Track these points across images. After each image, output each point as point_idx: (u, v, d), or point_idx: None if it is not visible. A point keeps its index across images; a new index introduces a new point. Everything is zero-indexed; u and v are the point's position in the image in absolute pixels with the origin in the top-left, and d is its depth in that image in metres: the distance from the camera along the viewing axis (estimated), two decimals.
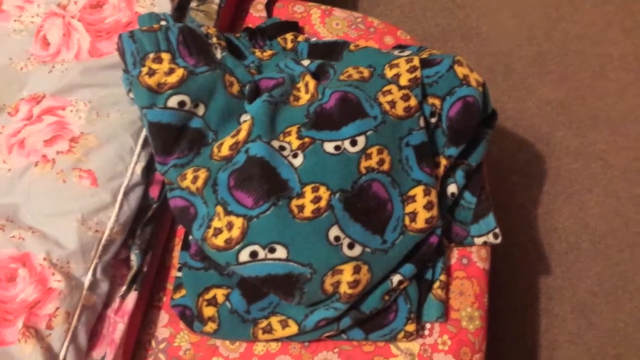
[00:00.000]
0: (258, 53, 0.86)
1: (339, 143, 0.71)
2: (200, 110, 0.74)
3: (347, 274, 0.68)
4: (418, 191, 0.73)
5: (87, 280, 0.70)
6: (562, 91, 1.44)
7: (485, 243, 0.81)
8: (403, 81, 0.76)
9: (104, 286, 0.72)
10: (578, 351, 1.18)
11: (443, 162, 0.77)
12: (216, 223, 0.68)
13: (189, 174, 0.72)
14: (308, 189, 0.68)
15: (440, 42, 1.50)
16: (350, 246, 0.69)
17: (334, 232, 0.68)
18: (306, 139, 0.71)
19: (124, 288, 0.73)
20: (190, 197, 0.73)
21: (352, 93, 0.73)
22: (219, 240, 0.67)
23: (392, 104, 0.74)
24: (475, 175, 0.81)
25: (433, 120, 0.77)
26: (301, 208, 0.67)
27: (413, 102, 0.75)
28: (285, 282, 0.68)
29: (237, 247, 0.67)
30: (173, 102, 0.71)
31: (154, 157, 0.76)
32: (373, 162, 0.71)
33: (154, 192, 0.78)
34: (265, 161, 0.68)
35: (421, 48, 0.86)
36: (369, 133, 0.71)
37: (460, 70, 0.77)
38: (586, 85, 1.44)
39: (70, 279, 0.68)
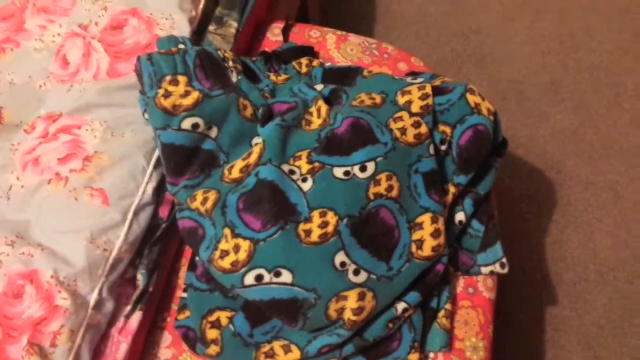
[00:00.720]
0: (273, 77, 0.87)
1: (348, 169, 0.71)
2: (214, 132, 0.75)
3: (351, 301, 0.68)
4: (426, 219, 0.73)
5: (93, 299, 0.70)
6: (575, 120, 1.43)
7: (492, 273, 0.80)
8: (415, 108, 0.77)
9: (109, 305, 0.72)
10: None
11: (452, 190, 0.77)
12: (223, 245, 0.68)
13: (199, 195, 0.73)
14: (316, 214, 0.68)
15: (454, 68, 1.51)
16: (356, 272, 0.69)
17: (340, 258, 0.68)
18: (316, 164, 0.71)
19: (129, 308, 0.74)
20: (199, 219, 0.73)
21: (363, 119, 0.73)
22: (226, 263, 0.68)
23: (403, 130, 0.74)
24: (484, 204, 0.81)
25: (443, 147, 0.77)
26: (308, 233, 0.68)
27: (424, 129, 0.75)
28: (290, 307, 0.68)
29: (243, 270, 0.67)
30: (187, 124, 0.72)
31: (165, 178, 0.77)
32: (382, 189, 0.71)
33: (164, 212, 0.78)
34: (274, 185, 0.69)
35: (434, 76, 0.87)
36: (378, 159, 0.72)
37: (472, 99, 0.78)
38: (600, 115, 1.44)
39: (77, 298, 0.69)
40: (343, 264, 0.68)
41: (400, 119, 0.76)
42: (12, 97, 0.84)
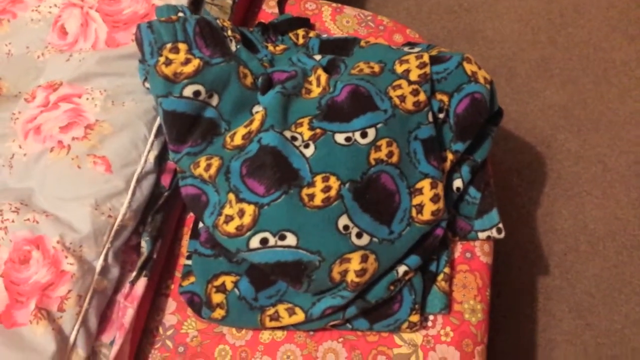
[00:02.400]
0: (271, 47, 0.87)
1: (349, 134, 0.72)
2: (214, 100, 0.75)
3: (354, 263, 0.70)
4: (425, 184, 0.75)
5: (98, 264, 0.71)
6: (564, 95, 1.45)
7: (488, 237, 0.82)
8: (413, 77, 0.78)
9: (114, 271, 0.73)
10: (575, 351, 1.19)
11: (450, 156, 0.78)
12: (227, 210, 0.69)
13: (202, 161, 0.74)
14: (319, 179, 0.70)
15: (445, 45, 1.52)
16: (359, 235, 0.70)
17: (343, 221, 0.69)
18: (317, 130, 0.72)
19: (134, 274, 0.75)
20: (202, 185, 0.74)
21: (363, 86, 0.74)
22: (230, 227, 0.69)
23: (402, 98, 0.76)
24: (480, 171, 0.83)
25: (441, 115, 0.78)
26: (311, 197, 0.69)
27: (422, 97, 0.76)
28: (294, 269, 0.69)
29: (248, 233, 0.68)
30: (188, 91, 0.73)
31: (166, 146, 0.78)
32: (382, 154, 0.73)
33: (166, 180, 0.79)
34: (277, 150, 0.70)
35: (430, 46, 0.88)
36: (379, 126, 0.73)
37: (469, 67, 0.79)
38: (588, 90, 1.46)
39: (83, 263, 0.70)
40: (346, 227, 0.70)
41: (399, 86, 0.77)
42: (10, 67, 0.84)
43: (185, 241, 0.83)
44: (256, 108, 0.78)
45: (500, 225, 0.82)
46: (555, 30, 1.55)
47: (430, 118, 0.77)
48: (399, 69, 0.79)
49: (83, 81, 0.79)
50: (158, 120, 0.78)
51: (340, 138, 0.72)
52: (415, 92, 0.77)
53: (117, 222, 0.73)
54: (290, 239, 0.68)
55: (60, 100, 0.78)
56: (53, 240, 0.69)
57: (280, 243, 0.68)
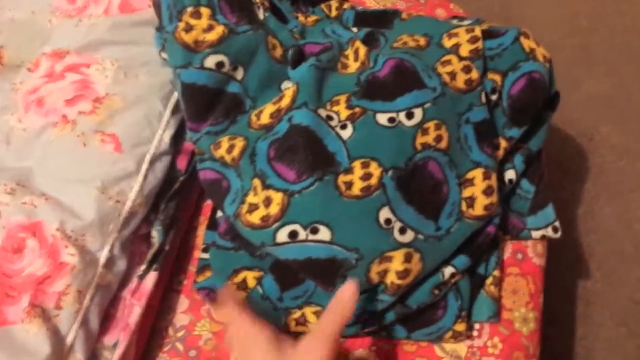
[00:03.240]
0: (301, 18, 0.79)
1: (393, 115, 0.63)
2: (239, 73, 0.67)
3: (396, 262, 0.61)
4: (477, 174, 0.65)
5: (103, 256, 0.63)
6: (607, 85, 1.37)
7: (543, 237, 0.73)
8: (463, 52, 0.68)
9: (121, 264, 0.65)
10: None
11: (503, 144, 0.69)
12: (252, 198, 0.61)
13: (224, 142, 0.65)
14: (357, 164, 0.61)
15: None
16: (402, 231, 0.61)
17: (385, 214, 0.60)
18: (357, 109, 0.63)
19: (142, 267, 0.67)
20: (223, 169, 0.66)
21: (408, 61, 0.65)
22: (255, 217, 0.60)
23: (452, 75, 0.66)
24: (535, 162, 0.74)
25: (494, 97, 0.69)
26: (349, 185, 0.60)
27: (475, 74, 0.67)
28: (327, 268, 0.60)
29: (275, 225, 0.59)
30: (210, 62, 0.64)
31: (183, 125, 0.69)
32: (430, 139, 0.63)
33: (182, 163, 0.71)
34: (310, 130, 0.61)
35: (479, 20, 0.79)
36: (426, 106, 0.64)
37: (527, 43, 0.70)
38: (633, 80, 1.37)
39: (85, 254, 0.61)
40: (388, 221, 0.61)
41: (449, 62, 0.68)
42: (13, 34, 0.76)
43: (201, 232, 0.74)
44: (285, 84, 0.69)
45: (557, 224, 0.72)
46: (596, 16, 1.46)
47: (484, 99, 0.67)
48: (448, 43, 0.70)
49: (93, 50, 0.71)
50: (175, 96, 0.70)
51: (382, 118, 0.63)
52: (466, 69, 0.67)
53: (126, 209, 0.64)
54: (324, 233, 0.59)
55: (67, 70, 0.70)
56: (52, 227, 0.61)
57: (312, 237, 0.59)
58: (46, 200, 0.62)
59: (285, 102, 0.64)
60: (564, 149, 1.30)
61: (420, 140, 0.63)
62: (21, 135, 0.67)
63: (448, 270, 0.65)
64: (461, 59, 0.68)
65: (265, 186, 0.60)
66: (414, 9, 0.88)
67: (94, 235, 0.62)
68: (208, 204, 0.76)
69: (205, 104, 0.65)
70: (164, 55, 0.69)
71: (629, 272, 1.18)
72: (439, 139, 0.64)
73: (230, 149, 0.64)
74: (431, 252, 0.63)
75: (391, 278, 0.61)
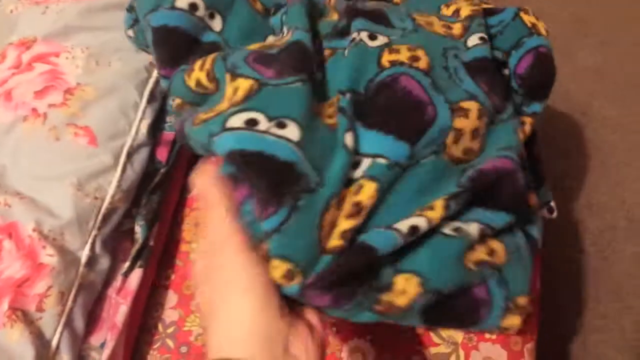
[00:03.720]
0: None
1: (354, 35, 0.55)
2: (217, 24, 0.61)
3: (349, 201, 0.48)
4: (472, 106, 0.53)
5: (84, 255, 0.60)
6: (601, 57, 1.34)
7: None
8: (465, 12, 0.63)
9: (104, 262, 0.62)
10: (613, 335, 1.10)
11: (528, 120, 0.62)
12: (216, 107, 0.51)
13: (197, 64, 0.57)
14: (325, 105, 0.53)
15: None
16: (354, 166, 0.49)
17: (350, 139, 0.49)
18: (326, 51, 0.57)
19: (127, 264, 0.64)
20: (197, 109, 0.58)
21: (379, 8, 0.60)
22: (209, 114, 0.49)
23: (430, 24, 0.60)
24: (530, 141, 0.71)
25: (506, 72, 0.65)
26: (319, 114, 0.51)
27: (457, 30, 0.61)
28: (281, 172, 0.45)
29: (231, 109, 0.47)
30: (182, 2, 0.59)
31: (161, 115, 0.67)
32: (402, 57, 0.53)
33: (162, 154, 0.68)
34: (300, 42, 0.53)
35: None
36: (393, 37, 0.56)
37: (528, 19, 0.66)
38: (627, 52, 1.36)
39: (65, 254, 0.59)
40: (354, 150, 0.49)
41: (427, 17, 0.62)
42: None
43: (187, 225, 0.72)
44: (270, 39, 0.63)
45: (553, 204, 0.70)
46: None
47: (473, 42, 0.59)
48: (447, 11, 0.65)
49: (62, 37, 0.68)
50: (150, 84, 0.67)
51: (347, 51, 0.55)
52: (447, 27, 0.61)
53: (105, 205, 0.62)
54: (292, 130, 0.46)
55: (35, 60, 0.66)
56: (28, 228, 0.58)
57: (275, 131, 0.46)
58: (21, 199, 0.60)
59: (276, 39, 0.59)
60: (557, 123, 1.28)
61: (388, 57, 0.53)
62: None
63: (474, 228, 0.51)
64: (441, 19, 0.62)
65: (234, 76, 0.50)
66: None
67: (73, 234, 0.60)
68: (192, 195, 0.73)
69: (179, 48, 0.59)
70: (130, 32, 0.65)
71: (624, 247, 1.17)
72: (414, 58, 0.53)
73: (202, 63, 0.57)
74: (394, 183, 0.50)
75: (343, 225, 0.47)
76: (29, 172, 0.62)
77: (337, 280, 0.46)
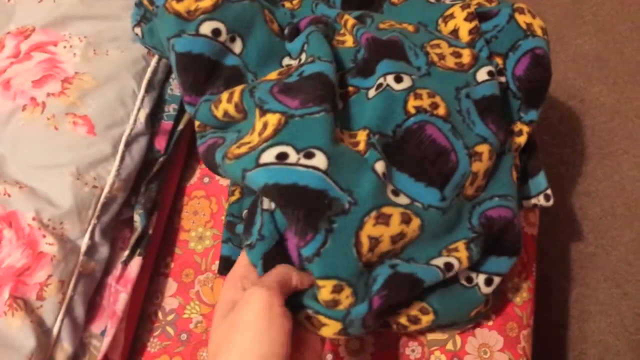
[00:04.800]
0: (288, 4, 0.74)
1: (380, 80, 0.57)
2: (237, 46, 0.62)
3: (394, 222, 0.52)
4: (484, 149, 0.58)
5: (84, 243, 0.61)
6: (598, 43, 1.33)
7: (535, 206, 0.71)
8: (463, 35, 0.64)
9: (103, 251, 0.63)
10: (611, 322, 1.11)
11: (525, 129, 0.65)
12: (246, 138, 0.53)
13: (224, 94, 0.59)
14: (346, 134, 0.56)
15: None
16: (395, 193, 0.54)
17: (381, 167, 0.52)
18: (350, 88, 0.59)
19: (126, 253, 0.64)
20: (222, 134, 0.60)
21: (395, 36, 0.61)
22: (242, 149, 0.51)
23: (441, 56, 0.62)
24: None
25: (502, 79, 0.65)
26: (341, 140, 0.54)
27: (466, 59, 0.62)
28: (315, 201, 0.48)
29: (263, 145, 0.50)
30: (206, 28, 0.59)
31: (159, 104, 0.67)
32: (425, 104, 0.57)
33: (160, 143, 0.68)
34: (323, 74, 0.54)
35: None
36: (413, 77, 0.59)
37: (522, 19, 0.66)
38: (625, 38, 1.34)
39: (65, 242, 0.59)
40: (384, 175, 0.53)
41: (438, 45, 0.63)
42: None
43: (185, 213, 0.72)
44: (287, 60, 0.65)
45: (549, 192, 0.70)
46: None
47: (484, 77, 0.62)
48: (445, 29, 0.65)
49: (59, 26, 0.67)
50: (149, 73, 0.67)
51: (372, 92, 0.58)
52: (456, 54, 0.63)
53: (104, 194, 0.62)
54: (320, 160, 0.49)
55: (33, 49, 0.66)
56: (28, 217, 0.58)
57: (304, 162, 0.49)
58: (20, 188, 0.60)
59: (296, 63, 0.60)
60: (554, 111, 1.27)
61: (413, 103, 0.57)
62: None
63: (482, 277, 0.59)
64: (450, 44, 0.63)
65: (263, 112, 0.52)
66: None
67: (72, 223, 0.60)
68: (191, 184, 0.74)
69: (202, 73, 0.61)
70: (137, 31, 0.65)
71: (622, 234, 1.17)
72: (434, 105, 0.58)
73: (230, 97, 0.58)
74: (433, 224, 0.55)
75: (385, 245, 0.52)
76: (28, 161, 0.62)
77: (391, 300, 0.52)
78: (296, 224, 0.48)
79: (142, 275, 0.65)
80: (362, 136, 0.55)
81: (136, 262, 0.64)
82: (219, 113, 0.59)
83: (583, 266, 1.15)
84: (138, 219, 0.65)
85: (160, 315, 0.68)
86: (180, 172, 0.73)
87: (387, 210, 0.52)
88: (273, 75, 0.59)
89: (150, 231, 0.66)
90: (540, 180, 0.70)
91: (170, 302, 0.69)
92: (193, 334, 0.67)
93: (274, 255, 0.52)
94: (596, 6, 1.37)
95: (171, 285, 0.69)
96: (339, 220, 0.49)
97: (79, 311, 0.60)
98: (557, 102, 1.27)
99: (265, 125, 0.51)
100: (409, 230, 0.53)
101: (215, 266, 0.69)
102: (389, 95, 0.56)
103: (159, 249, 0.70)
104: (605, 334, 1.09)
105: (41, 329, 0.56)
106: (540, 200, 0.70)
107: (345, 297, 0.50)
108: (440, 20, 0.67)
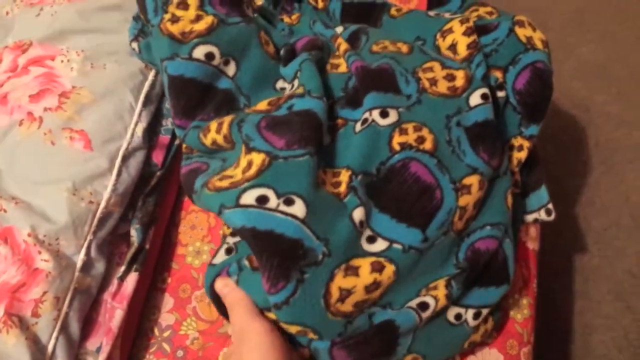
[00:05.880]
0: (287, 19, 0.74)
1: (366, 115, 0.57)
2: (231, 69, 0.62)
3: (364, 272, 0.53)
4: (474, 181, 0.58)
5: (79, 259, 0.60)
6: (602, 52, 1.33)
7: (536, 220, 0.70)
8: (461, 50, 0.64)
9: (99, 266, 0.62)
10: (614, 336, 1.10)
11: (526, 144, 0.64)
12: (230, 171, 0.54)
13: (213, 124, 0.59)
14: (329, 172, 0.56)
15: None
16: (371, 239, 0.54)
17: (359, 214, 0.53)
18: (339, 121, 0.59)
19: (122, 268, 0.64)
20: (207, 160, 0.61)
21: (386, 63, 0.61)
22: (225, 182, 0.52)
23: (433, 81, 0.61)
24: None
25: (501, 94, 0.64)
26: (322, 182, 0.55)
27: (459, 81, 0.62)
28: (289, 251, 0.50)
29: (245, 185, 0.50)
30: (199, 52, 0.60)
31: (157, 118, 0.67)
32: (410, 139, 0.56)
33: (157, 157, 0.68)
34: (312, 112, 0.55)
35: (465, 2, 0.75)
36: (400, 109, 0.58)
37: (522, 32, 0.65)
38: (629, 46, 1.34)
39: (60, 259, 0.59)
40: (361, 224, 0.54)
41: (430, 69, 0.62)
42: None
43: (183, 227, 0.72)
44: (280, 83, 0.65)
45: (550, 206, 0.69)
46: None
47: (475, 101, 0.61)
48: (444, 44, 0.65)
49: (57, 40, 0.67)
50: (146, 87, 0.67)
51: (358, 125, 0.58)
52: (450, 77, 0.62)
53: (100, 209, 0.61)
54: (299, 208, 0.50)
55: (31, 63, 0.66)
56: (23, 233, 0.58)
57: (283, 208, 0.50)
58: (16, 204, 0.59)
59: (287, 93, 0.60)
60: (558, 120, 1.26)
61: (398, 139, 0.56)
62: None
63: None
64: (445, 67, 0.63)
65: (248, 149, 0.53)
66: None
67: (68, 239, 0.59)
68: (188, 198, 0.73)
69: (194, 98, 0.61)
70: (134, 45, 0.65)
71: (627, 246, 1.16)
72: (421, 140, 0.57)
73: (219, 127, 0.58)
74: (410, 266, 0.56)
75: (358, 296, 0.53)
76: (25, 176, 0.62)
77: (361, 351, 0.53)
78: (269, 271, 0.49)
79: (138, 291, 0.65)
80: (344, 177, 0.55)
81: (132, 278, 0.64)
82: (207, 141, 0.60)
83: (587, 278, 1.14)
84: (135, 233, 0.65)
85: (156, 331, 0.67)
86: (177, 186, 0.72)
87: (355, 262, 0.53)
88: (263, 106, 0.59)
89: (147, 246, 0.66)
90: (541, 194, 0.70)
91: (166, 318, 0.68)
92: (189, 350, 0.66)
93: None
94: (601, 15, 1.37)
95: (168, 301, 0.69)
96: (310, 272, 0.50)
97: (75, 328, 0.59)
98: (561, 112, 1.27)
99: (249, 164, 0.52)
100: (383, 278, 0.54)
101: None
102: (374, 132, 0.56)
103: (156, 264, 0.70)
104: (609, 347, 1.08)
105: (36, 347, 0.56)
106: (542, 215, 0.70)
107: (310, 335, 0.53)
108: (438, 35, 0.66)
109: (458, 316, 0.58)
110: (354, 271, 0.53)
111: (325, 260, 0.51)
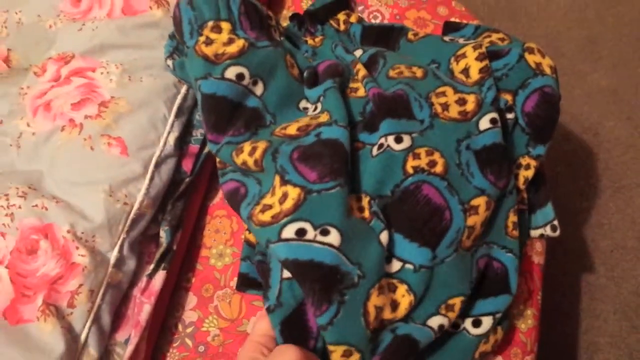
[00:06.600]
0: (310, 41, 0.79)
1: (382, 140, 0.61)
2: (259, 89, 0.67)
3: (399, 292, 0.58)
4: (481, 202, 0.62)
5: (113, 256, 0.65)
6: (613, 78, 1.35)
7: (542, 236, 0.74)
8: (474, 74, 0.68)
9: (130, 263, 0.67)
10: (619, 355, 1.11)
11: (532, 163, 0.68)
12: (268, 200, 0.59)
13: (246, 146, 0.64)
14: (353, 197, 0.60)
15: (487, 22, 1.41)
16: (387, 260, 0.58)
17: (385, 237, 0.58)
18: (358, 144, 0.63)
19: (151, 267, 0.68)
20: (242, 178, 0.65)
21: (401, 89, 0.65)
22: (266, 216, 0.57)
23: (445, 106, 0.65)
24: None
25: (510, 116, 0.68)
26: (351, 208, 0.59)
27: (470, 106, 0.66)
28: (329, 277, 0.54)
29: (284, 220, 0.55)
30: (231, 73, 0.65)
31: (187, 128, 0.71)
32: (423, 163, 0.61)
33: (187, 165, 0.72)
34: (339, 143, 0.59)
35: (477, 28, 0.79)
36: (414, 135, 0.62)
37: (532, 59, 0.69)
38: (639, 73, 1.35)
39: (95, 254, 0.63)
40: (387, 246, 0.58)
41: (443, 94, 0.66)
42: (20, 38, 0.77)
43: (208, 231, 0.76)
44: (303, 103, 0.70)
45: (556, 222, 0.73)
46: (604, 7, 1.44)
47: (484, 126, 0.65)
48: (457, 68, 0.69)
49: (97, 53, 0.72)
50: (179, 99, 0.71)
51: (375, 150, 0.62)
52: (461, 102, 0.66)
53: (134, 210, 0.66)
54: (334, 237, 0.55)
55: (73, 74, 0.71)
56: (63, 230, 0.62)
57: (320, 238, 0.55)
58: (57, 203, 0.64)
59: (315, 120, 0.64)
60: (569, 143, 1.29)
61: (411, 163, 0.60)
62: (30, 140, 0.69)
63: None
64: (457, 91, 0.66)
65: (284, 181, 0.58)
66: (416, 7, 0.89)
67: (103, 237, 0.64)
68: (214, 204, 0.77)
69: (225, 115, 0.65)
70: (169, 62, 0.70)
71: (633, 267, 1.18)
72: (432, 163, 0.61)
73: (252, 151, 0.63)
74: (422, 285, 0.59)
75: (387, 312, 0.58)
76: (65, 178, 0.66)
77: None
78: (312, 296, 0.54)
79: (165, 288, 0.69)
80: (364, 202, 0.60)
81: (160, 276, 0.68)
82: (238, 161, 0.64)
83: (593, 298, 1.16)
84: (164, 235, 0.69)
85: (180, 327, 0.72)
86: (204, 192, 0.77)
87: (384, 282, 0.58)
88: (292, 130, 0.63)
89: (175, 247, 0.70)
90: (547, 211, 0.73)
91: (189, 315, 0.72)
92: (210, 346, 0.70)
93: (293, 322, 0.57)
94: (612, 42, 1.39)
95: (191, 299, 0.73)
96: (350, 293, 0.55)
97: (106, 320, 0.64)
98: (572, 135, 1.29)
99: (285, 195, 0.57)
100: (398, 297, 0.59)
101: (233, 282, 0.73)
102: (389, 156, 0.61)
103: (182, 264, 0.74)
104: None
105: (70, 335, 0.60)
106: (547, 231, 0.73)
107: (354, 355, 0.56)
108: (452, 59, 0.70)
109: (455, 325, 0.63)
110: (383, 290, 0.57)
111: (360, 282, 0.55)
